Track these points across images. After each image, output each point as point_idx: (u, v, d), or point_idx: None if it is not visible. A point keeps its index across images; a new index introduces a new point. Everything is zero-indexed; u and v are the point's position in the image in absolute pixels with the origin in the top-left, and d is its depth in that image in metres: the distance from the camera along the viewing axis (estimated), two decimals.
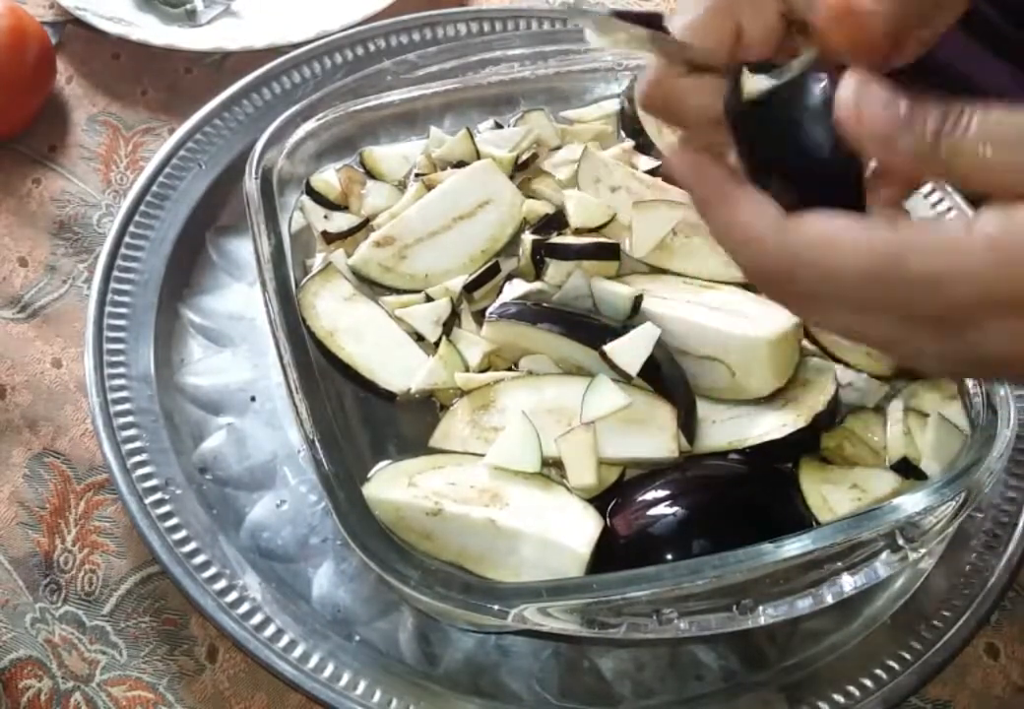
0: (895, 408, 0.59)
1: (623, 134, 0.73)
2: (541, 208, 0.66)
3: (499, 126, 0.71)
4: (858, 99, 0.37)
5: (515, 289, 0.62)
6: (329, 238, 0.66)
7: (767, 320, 0.59)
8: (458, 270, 0.64)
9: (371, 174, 0.70)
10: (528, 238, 0.64)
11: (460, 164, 0.68)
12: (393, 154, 0.70)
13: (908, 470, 0.56)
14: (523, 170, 0.69)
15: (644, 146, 0.70)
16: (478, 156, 0.68)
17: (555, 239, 0.63)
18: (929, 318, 0.36)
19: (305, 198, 0.68)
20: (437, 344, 0.61)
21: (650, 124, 0.71)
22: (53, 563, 0.62)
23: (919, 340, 0.38)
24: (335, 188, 0.68)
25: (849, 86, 0.37)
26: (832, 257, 0.37)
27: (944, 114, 0.36)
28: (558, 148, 0.70)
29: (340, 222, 0.67)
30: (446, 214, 0.65)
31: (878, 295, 0.37)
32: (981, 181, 0.36)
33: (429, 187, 0.67)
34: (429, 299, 0.63)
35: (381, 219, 0.66)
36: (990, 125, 0.35)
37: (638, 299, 0.60)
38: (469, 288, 0.63)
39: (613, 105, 0.73)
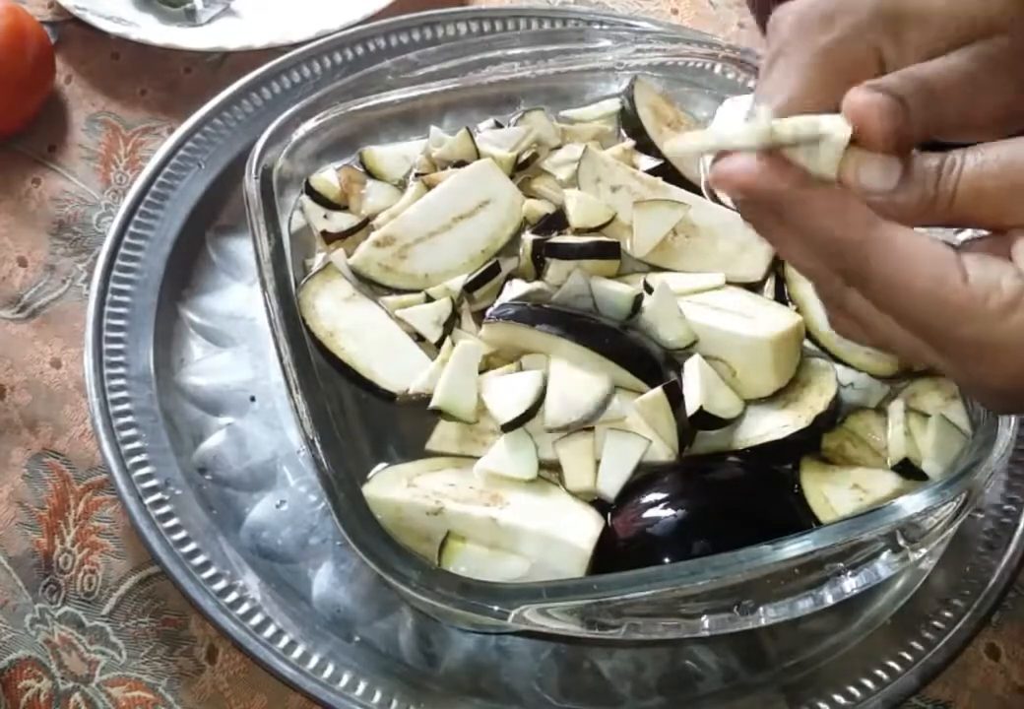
0: (896, 408, 0.58)
1: (623, 134, 0.72)
2: (541, 208, 0.66)
3: (499, 126, 0.71)
4: (856, 165, 0.39)
5: (515, 289, 0.62)
6: (329, 238, 0.66)
7: (768, 320, 0.59)
8: (458, 270, 0.64)
9: (371, 174, 0.70)
10: (528, 238, 0.64)
11: (460, 164, 0.67)
12: (393, 154, 0.70)
13: (909, 471, 0.56)
14: (523, 170, 0.69)
15: (644, 146, 0.70)
16: (478, 156, 0.68)
17: (555, 239, 0.63)
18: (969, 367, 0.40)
19: (305, 198, 0.68)
20: (438, 344, 0.61)
21: (650, 123, 0.71)
22: (53, 563, 0.62)
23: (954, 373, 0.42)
24: (335, 188, 0.68)
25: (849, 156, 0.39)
26: (904, 273, 0.39)
27: (938, 167, 0.38)
28: (558, 148, 0.70)
29: (340, 222, 0.67)
30: (446, 214, 0.65)
31: (925, 328, 0.40)
32: (988, 215, 0.38)
33: (429, 187, 0.66)
34: (429, 299, 0.63)
35: (381, 219, 0.66)
36: (981, 161, 0.38)
37: (639, 298, 0.60)
38: (469, 288, 0.63)
39: (613, 105, 0.73)
